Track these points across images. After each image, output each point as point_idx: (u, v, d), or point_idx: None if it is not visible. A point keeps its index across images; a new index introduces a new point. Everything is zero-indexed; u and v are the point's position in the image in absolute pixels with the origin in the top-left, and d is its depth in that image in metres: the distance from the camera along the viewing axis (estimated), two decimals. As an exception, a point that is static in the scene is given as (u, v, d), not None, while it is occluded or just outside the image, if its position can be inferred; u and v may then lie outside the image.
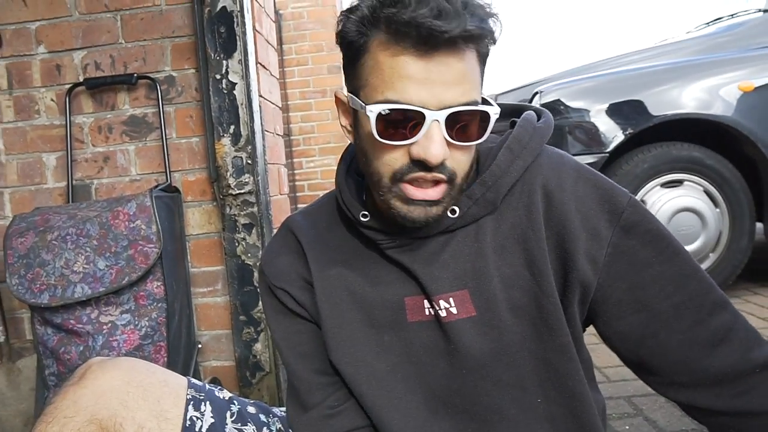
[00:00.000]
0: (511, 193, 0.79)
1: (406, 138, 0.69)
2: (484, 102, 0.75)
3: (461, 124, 0.70)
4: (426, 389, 0.81)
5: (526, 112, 0.84)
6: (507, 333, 0.77)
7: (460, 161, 0.73)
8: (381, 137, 0.70)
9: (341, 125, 0.82)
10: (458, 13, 0.65)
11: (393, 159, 0.72)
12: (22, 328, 1.83)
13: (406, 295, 0.81)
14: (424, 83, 0.68)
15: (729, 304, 0.77)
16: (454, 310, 0.78)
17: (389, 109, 0.69)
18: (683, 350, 0.76)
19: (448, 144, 0.70)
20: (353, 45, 0.73)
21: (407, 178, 0.71)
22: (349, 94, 0.76)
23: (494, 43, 0.74)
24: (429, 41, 0.66)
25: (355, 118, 0.77)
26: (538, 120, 0.83)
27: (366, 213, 0.81)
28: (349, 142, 0.85)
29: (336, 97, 0.81)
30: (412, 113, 0.68)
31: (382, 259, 0.83)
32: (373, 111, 0.69)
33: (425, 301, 0.80)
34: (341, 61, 0.78)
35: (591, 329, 0.85)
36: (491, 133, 0.87)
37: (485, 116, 0.72)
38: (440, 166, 0.70)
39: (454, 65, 0.68)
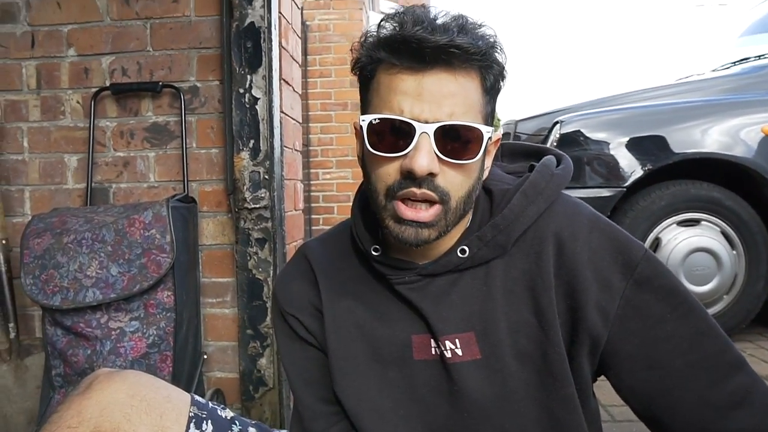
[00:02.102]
0: (523, 239, 0.79)
1: (397, 151, 0.71)
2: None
3: (454, 143, 0.71)
4: (427, 429, 0.81)
5: (546, 157, 0.84)
6: (511, 379, 0.77)
7: (454, 182, 0.73)
8: (373, 148, 0.72)
9: (357, 155, 0.83)
10: (449, 29, 0.69)
11: (386, 174, 0.73)
12: (32, 325, 1.85)
13: (413, 332, 0.81)
14: (416, 98, 0.70)
15: (746, 364, 0.76)
16: (459, 352, 0.78)
17: (379, 119, 0.72)
18: (697, 411, 0.75)
19: (440, 160, 0.71)
20: (364, 71, 0.77)
21: (399, 194, 0.72)
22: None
23: (502, 77, 0.75)
24: (421, 54, 0.69)
25: (362, 142, 0.78)
26: (558, 165, 0.83)
27: (377, 247, 0.82)
28: None
29: (354, 127, 0.82)
30: (402, 124, 0.70)
31: (391, 294, 0.83)
32: (365, 120, 0.73)
33: (431, 340, 0.80)
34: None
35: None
36: (509, 174, 0.88)
37: (479, 136, 0.72)
38: (430, 183, 0.71)
39: (447, 82, 0.70)
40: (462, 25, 0.71)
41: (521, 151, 0.94)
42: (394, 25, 0.72)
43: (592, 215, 0.80)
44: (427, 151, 0.69)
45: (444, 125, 0.70)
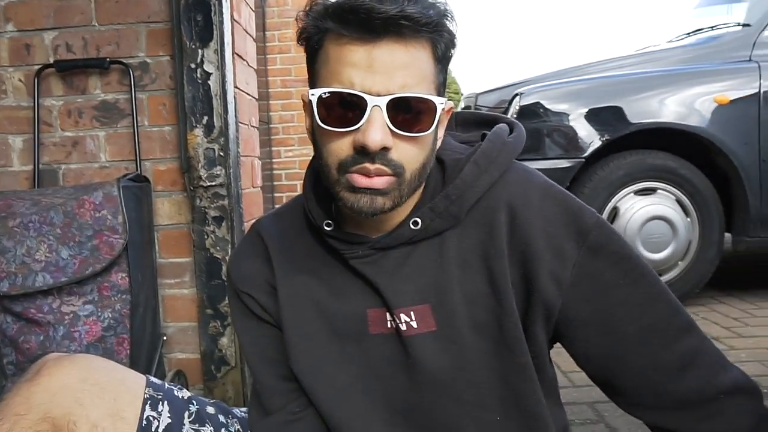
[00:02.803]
0: (476, 209, 0.78)
1: (349, 125, 0.69)
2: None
3: (407, 115, 0.70)
4: (386, 403, 0.81)
5: (497, 125, 0.83)
6: (467, 350, 0.77)
7: (408, 155, 0.72)
8: (324, 123, 0.71)
9: (306, 129, 0.80)
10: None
11: (338, 149, 0.71)
12: (-19, 313, 1.79)
13: (368, 307, 0.80)
14: (367, 70, 0.68)
15: (695, 328, 0.78)
16: (414, 324, 0.78)
17: (329, 92, 0.69)
18: (648, 373, 0.76)
19: (393, 134, 0.69)
20: (310, 42, 0.74)
21: (352, 169, 0.71)
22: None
23: (453, 45, 0.74)
24: (370, 25, 0.66)
25: (312, 116, 0.76)
26: (510, 133, 0.83)
27: (330, 222, 0.80)
28: None
29: (302, 100, 0.79)
30: (353, 97, 0.68)
31: (346, 269, 0.82)
32: (315, 94, 0.70)
33: (387, 314, 0.79)
34: None
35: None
36: (462, 143, 0.87)
37: (432, 107, 0.71)
38: (384, 157, 0.70)
39: (399, 53, 0.68)
40: None
41: (474, 120, 0.93)
42: None
43: (544, 183, 0.80)
44: (380, 125, 0.68)
45: (396, 97, 0.68)
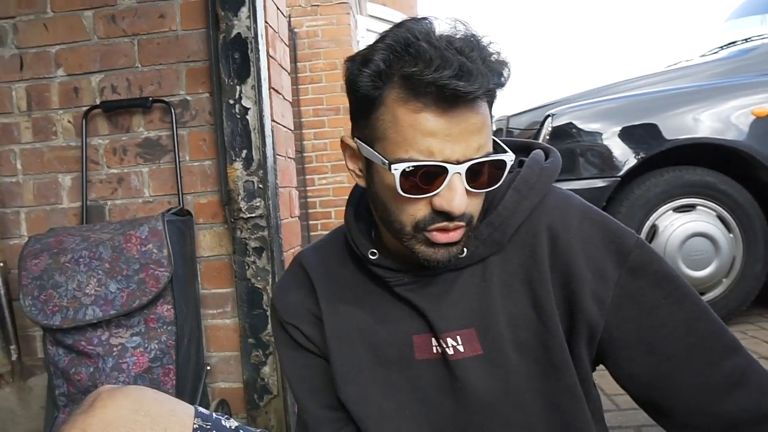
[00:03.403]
0: (518, 233, 0.80)
1: (429, 192, 0.71)
2: (496, 146, 0.77)
3: (482, 176, 0.72)
4: (433, 428, 0.81)
5: (534, 152, 0.85)
6: (513, 373, 0.77)
7: (476, 206, 0.75)
8: (405, 193, 0.71)
9: (348, 168, 0.82)
10: (480, 73, 0.66)
11: (415, 210, 0.73)
12: (33, 346, 1.85)
13: (414, 333, 0.81)
14: (445, 139, 0.69)
15: (741, 347, 0.77)
16: (461, 348, 0.78)
17: (413, 166, 0.69)
18: (696, 394, 0.75)
19: (467, 193, 0.71)
20: (367, 98, 0.73)
21: (431, 228, 0.73)
22: (360, 142, 0.77)
23: None
24: (450, 99, 0.67)
25: (369, 166, 0.77)
26: (546, 159, 0.84)
27: (374, 251, 0.82)
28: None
29: (342, 142, 0.81)
30: (436, 168, 0.69)
31: (390, 296, 0.83)
32: (398, 169, 0.69)
33: (432, 339, 0.80)
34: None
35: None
36: None
37: (501, 163, 0.73)
38: (461, 215, 0.72)
39: (472, 119, 0.69)
40: (485, 58, 0.68)
41: (510, 147, 0.94)
42: (413, 59, 0.67)
43: (582, 206, 0.81)
44: (462, 193, 0.70)
45: (475, 163, 0.70)
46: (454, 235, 0.73)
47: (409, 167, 0.69)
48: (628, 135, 2.72)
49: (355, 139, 0.78)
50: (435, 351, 0.81)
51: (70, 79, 1.81)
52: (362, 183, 0.82)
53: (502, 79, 0.71)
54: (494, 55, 0.70)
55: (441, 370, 0.80)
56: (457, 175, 0.69)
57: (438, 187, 0.70)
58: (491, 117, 0.75)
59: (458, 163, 0.69)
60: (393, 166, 0.70)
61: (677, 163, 2.71)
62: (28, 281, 1.51)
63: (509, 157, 0.74)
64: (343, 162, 0.83)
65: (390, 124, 0.71)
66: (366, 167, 0.79)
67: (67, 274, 1.49)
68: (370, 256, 0.82)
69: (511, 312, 0.78)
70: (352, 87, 0.75)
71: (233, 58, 1.69)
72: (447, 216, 0.71)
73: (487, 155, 0.71)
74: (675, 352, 0.75)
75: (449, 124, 0.68)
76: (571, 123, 2.80)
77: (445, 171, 0.69)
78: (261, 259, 1.72)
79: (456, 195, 0.70)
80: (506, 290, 0.79)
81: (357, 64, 0.73)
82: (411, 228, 0.74)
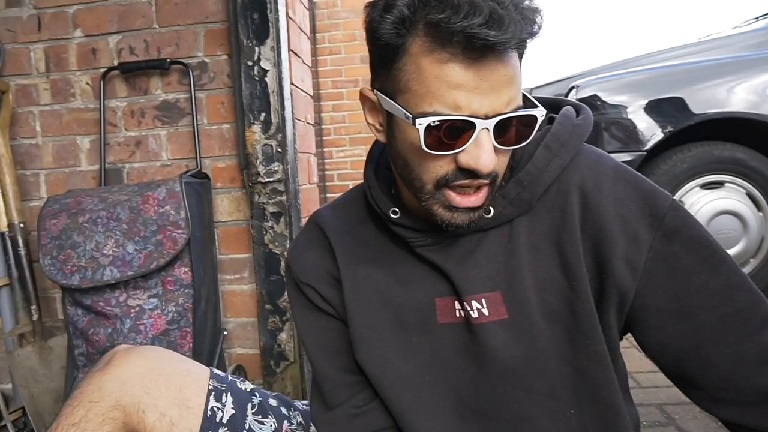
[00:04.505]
0: (547, 193, 0.76)
1: (454, 147, 0.66)
2: (526, 100, 0.72)
3: (511, 132, 0.68)
4: (454, 394, 0.79)
5: (564, 108, 0.80)
6: (539, 338, 0.74)
7: (502, 164, 0.71)
8: (429, 149, 0.67)
9: (368, 122, 0.78)
10: (513, 20, 0.61)
11: (438, 167, 0.69)
12: (54, 307, 1.87)
13: (436, 295, 0.78)
14: (473, 92, 0.64)
15: None
16: (485, 312, 0.75)
17: (438, 121, 0.65)
18: (730, 366, 0.71)
19: (495, 150, 0.67)
20: (389, 47, 0.68)
21: (453, 184, 0.69)
22: (381, 94, 0.72)
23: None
24: (480, 49, 0.62)
25: (389, 120, 0.73)
26: (577, 116, 0.80)
27: (396, 210, 0.79)
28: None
29: (362, 94, 0.77)
30: (463, 123, 0.65)
31: (412, 257, 0.80)
32: (422, 124, 0.65)
33: (456, 302, 0.77)
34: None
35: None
36: None
37: (531, 119, 0.69)
38: (486, 173, 0.68)
39: (502, 71, 0.64)
40: (517, 4, 0.63)
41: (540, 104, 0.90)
42: (440, 5, 0.62)
43: (616, 165, 0.76)
44: (489, 150, 0.66)
45: (504, 118, 0.66)
46: (476, 200, 0.70)
47: (434, 122, 0.65)
48: (654, 108, 2.64)
49: (375, 91, 0.74)
50: (458, 315, 0.78)
51: (88, 40, 1.79)
52: (382, 138, 0.78)
53: (536, 27, 0.66)
54: (527, 1, 0.66)
55: (464, 334, 0.77)
56: (485, 130, 0.65)
57: (464, 144, 0.66)
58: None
59: (486, 117, 0.65)
60: (417, 121, 0.65)
61: (705, 138, 2.63)
62: (47, 241, 1.51)
63: (540, 112, 0.69)
64: (361, 135, 0.79)
65: (414, 76, 0.67)
66: (387, 121, 0.75)
67: (85, 234, 1.49)
68: (392, 215, 0.79)
69: (539, 275, 0.75)
70: (372, 35, 0.70)
71: (252, 19, 1.66)
72: (472, 173, 0.67)
73: (516, 110, 0.67)
74: (709, 321, 0.72)
75: (478, 76, 0.63)
76: (596, 95, 2.73)
77: (472, 126, 0.65)
78: (279, 224, 1.70)
79: (483, 152, 0.65)
80: (534, 253, 0.75)
81: (379, 9, 0.68)
82: (432, 186, 0.70)
